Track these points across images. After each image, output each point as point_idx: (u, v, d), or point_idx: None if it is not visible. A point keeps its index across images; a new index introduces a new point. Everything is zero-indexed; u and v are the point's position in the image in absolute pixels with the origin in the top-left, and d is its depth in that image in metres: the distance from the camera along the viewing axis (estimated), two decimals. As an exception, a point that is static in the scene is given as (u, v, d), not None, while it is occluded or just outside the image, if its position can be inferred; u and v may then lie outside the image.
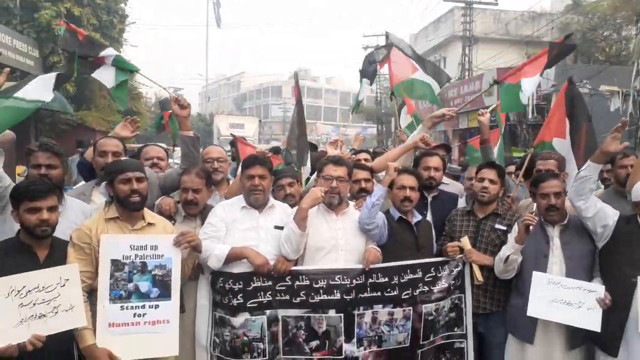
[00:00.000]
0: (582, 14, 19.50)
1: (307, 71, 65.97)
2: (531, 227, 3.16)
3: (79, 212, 3.08)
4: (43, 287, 2.49)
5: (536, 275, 3.17)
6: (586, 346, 3.27)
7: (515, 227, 3.38)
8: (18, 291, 2.42)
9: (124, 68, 3.99)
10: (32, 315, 2.45)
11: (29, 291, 2.45)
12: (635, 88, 12.12)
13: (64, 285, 2.53)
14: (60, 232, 2.76)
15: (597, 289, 3.08)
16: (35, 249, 2.64)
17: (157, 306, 2.78)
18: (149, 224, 2.92)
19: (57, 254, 2.68)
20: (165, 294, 2.81)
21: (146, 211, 2.97)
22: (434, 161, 4.01)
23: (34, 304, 2.46)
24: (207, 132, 33.12)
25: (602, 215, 3.13)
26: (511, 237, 3.35)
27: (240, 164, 3.57)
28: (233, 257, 3.11)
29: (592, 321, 3.04)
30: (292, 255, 3.16)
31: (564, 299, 3.10)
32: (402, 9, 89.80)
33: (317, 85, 67.71)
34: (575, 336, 3.19)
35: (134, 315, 2.74)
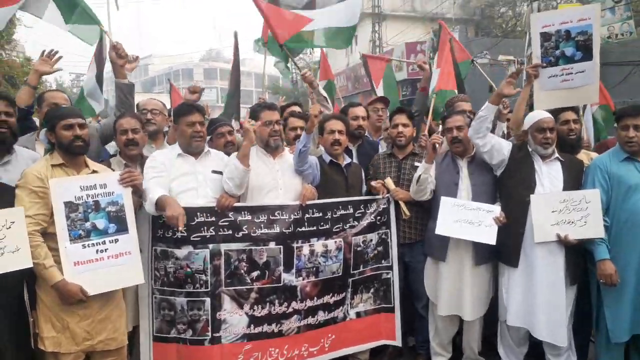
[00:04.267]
0: (481, -9, 20.92)
1: (219, 53, 64.31)
2: (437, 146, 3.58)
3: (30, 160, 3.06)
4: None
5: (444, 200, 3.60)
6: (492, 262, 3.75)
7: None
8: None
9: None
10: None
11: None
12: (528, 57, 13.29)
13: (9, 227, 2.58)
14: (13, 181, 2.78)
15: (494, 209, 3.54)
16: None
17: (116, 240, 2.88)
18: (94, 171, 2.97)
19: (2, 199, 2.68)
20: (122, 228, 2.91)
21: (88, 160, 3.02)
22: (361, 110, 4.36)
23: None
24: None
25: (498, 148, 3.58)
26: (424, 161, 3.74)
27: (173, 113, 3.59)
28: (161, 205, 3.07)
29: (489, 236, 3.50)
30: (236, 190, 3.31)
31: (466, 218, 3.53)
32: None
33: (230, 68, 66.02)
34: (481, 253, 3.64)
35: (97, 251, 2.82)
